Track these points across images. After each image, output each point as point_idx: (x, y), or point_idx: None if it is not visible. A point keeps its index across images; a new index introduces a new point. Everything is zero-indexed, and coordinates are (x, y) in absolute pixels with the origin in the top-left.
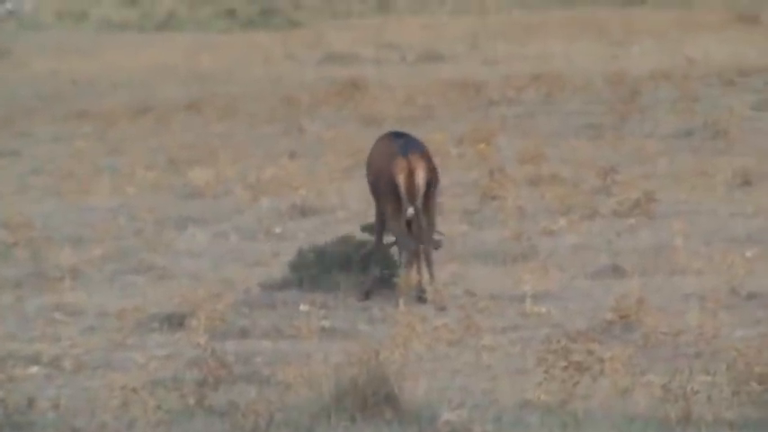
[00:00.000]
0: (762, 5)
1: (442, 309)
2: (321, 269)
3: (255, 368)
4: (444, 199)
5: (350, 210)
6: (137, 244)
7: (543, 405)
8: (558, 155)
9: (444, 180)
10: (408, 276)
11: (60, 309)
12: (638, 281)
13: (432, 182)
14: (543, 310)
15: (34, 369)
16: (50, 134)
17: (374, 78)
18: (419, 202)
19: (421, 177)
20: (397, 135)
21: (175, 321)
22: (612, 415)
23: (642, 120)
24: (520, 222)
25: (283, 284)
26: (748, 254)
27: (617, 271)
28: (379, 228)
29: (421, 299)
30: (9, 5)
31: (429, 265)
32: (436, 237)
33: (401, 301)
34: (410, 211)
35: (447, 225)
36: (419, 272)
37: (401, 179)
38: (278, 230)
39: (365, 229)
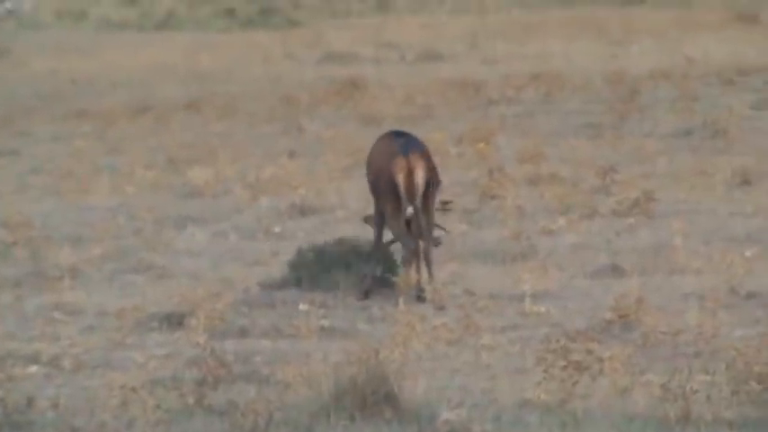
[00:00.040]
0: (761, 5)
1: (442, 308)
2: (320, 268)
3: (255, 367)
4: (446, 198)
5: (349, 209)
6: (136, 243)
7: (542, 404)
8: (558, 154)
9: (444, 179)
10: (408, 276)
11: (60, 308)
12: (638, 280)
13: (431, 181)
14: (542, 309)
15: (33, 368)
16: (50, 133)
17: (373, 78)
18: (418, 201)
19: (420, 177)
20: (398, 134)
21: (175, 321)
22: (612, 414)
23: (641, 119)
24: (519, 222)
25: (282, 284)
26: (747, 253)
27: (616, 270)
28: (378, 227)
29: (420, 298)
30: (8, 5)
31: (428, 264)
32: (439, 233)
33: (400, 301)
34: (410, 210)
35: (446, 224)
36: (418, 271)
37: (401, 178)
38: (277, 230)
39: (367, 220)
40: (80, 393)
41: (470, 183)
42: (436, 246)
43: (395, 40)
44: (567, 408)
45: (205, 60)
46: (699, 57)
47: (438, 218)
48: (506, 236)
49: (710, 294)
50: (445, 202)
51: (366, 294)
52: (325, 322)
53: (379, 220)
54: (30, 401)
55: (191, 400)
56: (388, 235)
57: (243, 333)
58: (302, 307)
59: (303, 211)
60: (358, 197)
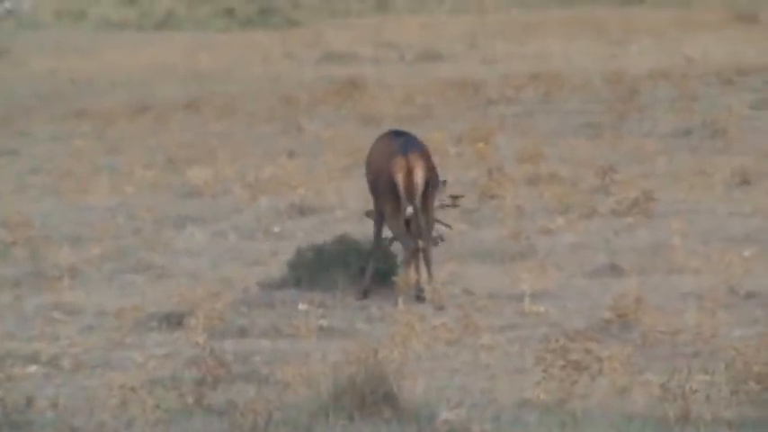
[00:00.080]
0: (760, 5)
1: (441, 308)
2: (319, 268)
3: (254, 367)
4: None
5: (348, 209)
6: (135, 243)
7: (542, 404)
8: (557, 154)
9: (443, 179)
10: (407, 275)
11: (59, 308)
12: (637, 280)
13: (431, 181)
14: (542, 309)
15: (33, 368)
16: (49, 133)
17: (373, 77)
18: (418, 201)
19: (419, 176)
20: (398, 134)
21: (174, 320)
22: (611, 414)
23: (641, 119)
24: (518, 221)
25: (282, 283)
26: (746, 253)
27: (615, 270)
28: (377, 226)
29: (419, 298)
30: (8, 5)
31: (428, 264)
32: (442, 230)
33: (400, 300)
34: (409, 210)
35: (440, 226)
36: (418, 271)
37: (400, 178)
38: (276, 229)
39: (369, 214)
40: (79, 393)
41: (470, 182)
42: (436, 245)
43: (394, 39)
44: (567, 407)
45: (204, 60)
46: (698, 56)
47: (443, 215)
48: (505, 235)
49: (709, 294)
50: (455, 197)
51: (365, 294)
52: (325, 322)
53: (378, 220)
54: (29, 401)
55: (190, 400)
56: (387, 234)
57: (242, 333)
58: (301, 307)
59: (302, 210)
60: (357, 197)
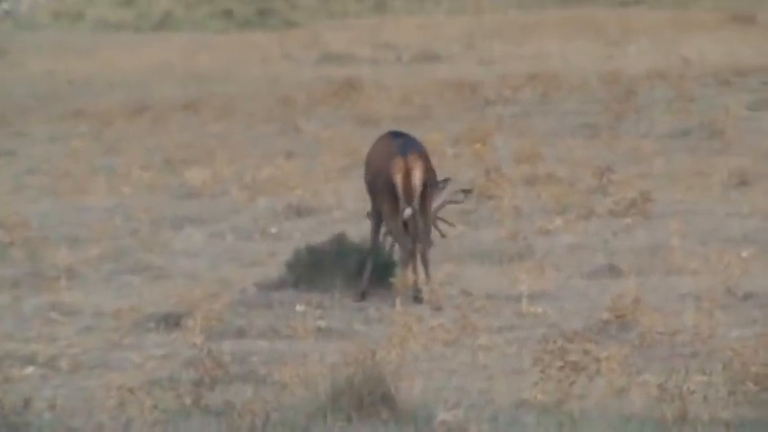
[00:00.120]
0: (757, 5)
1: (438, 309)
2: (317, 269)
3: (252, 368)
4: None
5: (346, 210)
6: (133, 244)
7: (539, 405)
8: (555, 154)
9: (446, 177)
10: (404, 276)
11: (57, 309)
12: (635, 281)
13: (429, 182)
14: (539, 309)
15: (31, 369)
16: (47, 134)
17: (370, 78)
18: (416, 202)
19: (418, 177)
20: (396, 135)
21: (172, 321)
22: (609, 415)
23: (638, 119)
24: (516, 222)
25: (280, 284)
26: (744, 254)
27: (613, 271)
28: (375, 227)
29: (417, 299)
30: (5, 5)
31: (425, 264)
32: (444, 228)
33: (397, 301)
34: (407, 211)
35: (443, 224)
36: (415, 272)
37: (398, 179)
38: (274, 230)
39: (370, 215)
40: (77, 394)
41: (467, 183)
42: (432, 245)
43: (392, 40)
44: (564, 408)
45: (202, 61)
46: (695, 57)
47: (444, 213)
48: (503, 236)
49: (707, 295)
50: (466, 191)
51: (363, 295)
52: (322, 323)
53: (376, 220)
54: (27, 402)
55: (188, 401)
56: (387, 239)
57: (240, 333)
58: (299, 308)
59: (300, 211)
60: (355, 198)
